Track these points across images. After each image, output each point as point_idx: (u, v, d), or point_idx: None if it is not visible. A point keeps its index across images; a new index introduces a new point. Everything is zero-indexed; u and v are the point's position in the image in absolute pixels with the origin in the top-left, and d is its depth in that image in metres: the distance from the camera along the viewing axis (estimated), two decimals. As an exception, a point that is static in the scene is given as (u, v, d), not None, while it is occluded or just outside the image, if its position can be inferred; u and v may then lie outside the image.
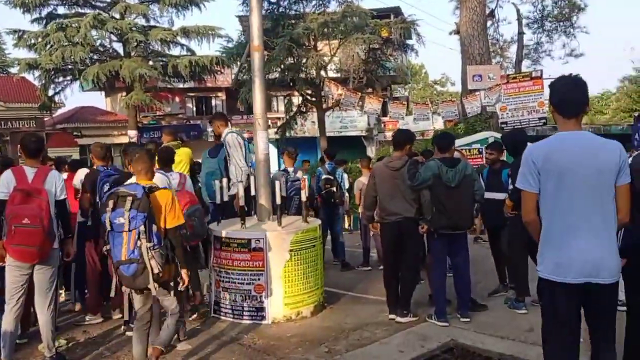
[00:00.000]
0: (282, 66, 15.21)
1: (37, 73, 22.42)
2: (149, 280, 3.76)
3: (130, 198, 3.72)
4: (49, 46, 21.56)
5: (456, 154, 11.78)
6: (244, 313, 5.50)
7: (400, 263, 5.44)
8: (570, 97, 2.90)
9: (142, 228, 3.69)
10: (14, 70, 24.50)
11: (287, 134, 18.02)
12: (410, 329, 5.20)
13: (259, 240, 5.42)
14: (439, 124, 21.24)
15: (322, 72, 16.36)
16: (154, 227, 3.80)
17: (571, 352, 2.90)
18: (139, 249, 3.72)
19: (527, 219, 3.01)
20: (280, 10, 15.64)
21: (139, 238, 3.71)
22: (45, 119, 25.87)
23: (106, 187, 5.18)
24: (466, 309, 5.38)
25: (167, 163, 5.74)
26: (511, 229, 5.62)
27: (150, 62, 23.12)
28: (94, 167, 5.73)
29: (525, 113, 14.26)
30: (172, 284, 4.02)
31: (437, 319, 5.26)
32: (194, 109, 31.39)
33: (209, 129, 29.10)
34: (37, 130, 25.20)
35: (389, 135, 28.84)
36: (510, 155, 5.91)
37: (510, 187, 5.49)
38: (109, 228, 3.76)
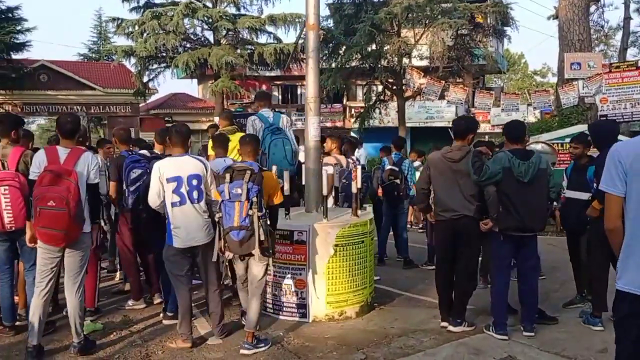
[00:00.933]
0: (362, 53, 14.69)
1: (133, 60, 23.55)
2: (254, 246, 4.20)
3: (249, 172, 4.21)
4: (144, 34, 22.46)
5: (544, 147, 10.99)
6: (284, 309, 5.18)
7: (455, 265, 4.86)
8: None
9: (254, 199, 4.17)
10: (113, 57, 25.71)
11: (366, 124, 17.48)
12: (462, 339, 4.64)
13: (301, 233, 5.06)
14: (534, 116, 19.85)
15: (405, 60, 15.66)
16: (263, 200, 4.27)
17: None
18: (251, 217, 4.17)
19: (609, 226, 2.62)
20: (361, -1, 15.10)
21: (250, 207, 4.16)
22: (140, 105, 27.13)
23: (134, 173, 5.09)
24: (530, 322, 4.72)
25: (221, 149, 5.58)
26: (592, 235, 4.88)
27: (238, 50, 23.46)
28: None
29: (629, 106, 12.88)
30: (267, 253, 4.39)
31: (495, 331, 4.66)
32: (280, 97, 31.58)
33: (293, 117, 29.26)
34: (132, 115, 26.58)
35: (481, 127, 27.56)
36: (596, 149, 5.13)
37: (595, 186, 4.75)
38: (226, 197, 4.18)
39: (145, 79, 24.21)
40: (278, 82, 31.11)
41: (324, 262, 5.07)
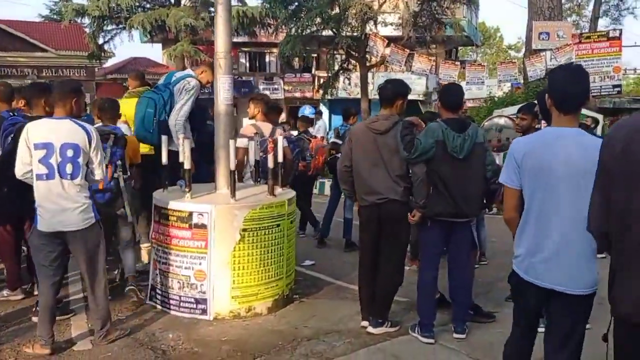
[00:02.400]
0: (323, 17, 13.74)
1: (87, 21, 22.14)
2: (122, 205, 4.46)
3: (112, 136, 4.40)
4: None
5: (507, 122, 10.27)
6: (182, 304, 4.42)
7: (380, 257, 4.14)
8: (571, 92, 2.65)
9: (119, 162, 4.42)
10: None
11: (332, 95, 16.62)
12: (381, 344, 3.95)
13: (202, 215, 4.28)
14: (502, 91, 19.22)
15: (371, 26, 14.77)
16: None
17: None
18: (116, 180, 4.39)
19: (505, 216, 2.86)
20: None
21: (115, 171, 4.35)
22: (97, 69, 25.74)
23: (10, 139, 4.18)
24: (462, 322, 4.07)
25: (108, 116, 4.81)
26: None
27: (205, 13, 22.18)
28: None
29: (598, 79, 12.29)
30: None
31: (420, 333, 3.98)
32: (247, 64, 30.38)
33: (261, 86, 28.20)
34: (87, 80, 25.15)
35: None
36: (544, 121, 4.41)
37: None
38: None
39: (100, 41, 22.88)
40: (245, 49, 29.81)
41: (229, 249, 4.30)
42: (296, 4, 14.24)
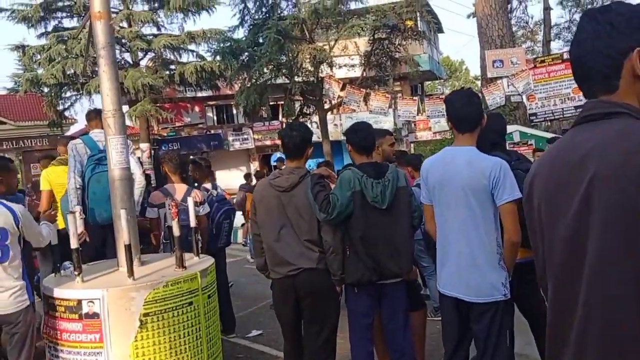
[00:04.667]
0: (273, 64, 13.40)
1: (45, 89, 21.76)
2: None
3: None
4: (52, 61, 20.70)
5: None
6: (80, 409, 3.72)
7: (302, 340, 3.50)
8: (464, 113, 2.87)
9: None
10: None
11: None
12: None
13: (92, 302, 3.62)
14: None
15: (327, 69, 14.48)
16: None
17: None
18: None
19: (426, 227, 3.17)
20: (270, 1, 13.83)
21: None
22: (59, 136, 25.19)
23: None
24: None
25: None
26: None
27: (163, 72, 21.91)
28: None
29: (558, 102, 12.03)
30: None
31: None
32: (215, 118, 30.15)
33: (230, 138, 27.82)
34: (50, 149, 24.58)
35: (421, 135, 26.71)
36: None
37: None
38: None
39: (60, 108, 22.46)
40: (211, 103, 29.62)
41: (128, 340, 3.63)
42: (246, 54, 13.90)
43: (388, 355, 3.50)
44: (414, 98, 13.73)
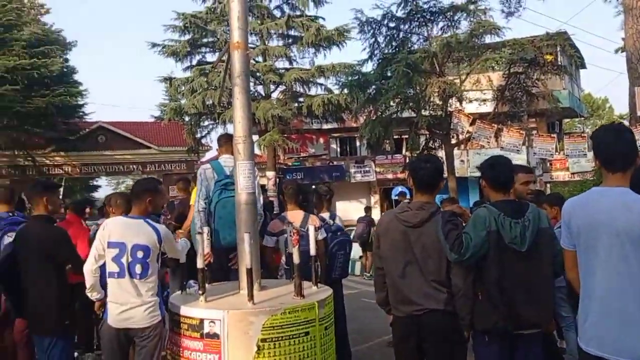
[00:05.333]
0: (399, 98, 13.31)
1: (186, 118, 23.54)
2: None
3: None
4: (194, 92, 22.38)
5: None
6: None
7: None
8: (616, 150, 2.59)
9: None
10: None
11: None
12: None
13: (213, 322, 3.66)
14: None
15: (453, 102, 14.13)
16: None
17: None
18: None
19: (568, 277, 2.84)
20: (402, 35, 13.82)
21: None
22: (195, 162, 27.00)
23: (7, 238, 4.26)
24: None
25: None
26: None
27: (292, 104, 22.80)
28: None
29: None
30: None
31: None
32: (338, 149, 30.61)
33: (352, 170, 28.08)
34: (187, 173, 26.41)
35: (557, 175, 25.09)
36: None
37: None
38: None
39: (198, 136, 24.13)
40: (336, 135, 30.20)
41: (245, 364, 3.62)
42: (374, 87, 13.95)
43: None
44: (552, 135, 12.89)
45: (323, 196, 5.49)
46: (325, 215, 5.41)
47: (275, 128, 21.94)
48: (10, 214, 4.76)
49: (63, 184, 19.72)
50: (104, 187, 40.25)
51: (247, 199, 4.16)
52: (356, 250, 13.46)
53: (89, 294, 3.93)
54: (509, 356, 3.06)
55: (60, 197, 11.94)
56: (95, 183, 35.10)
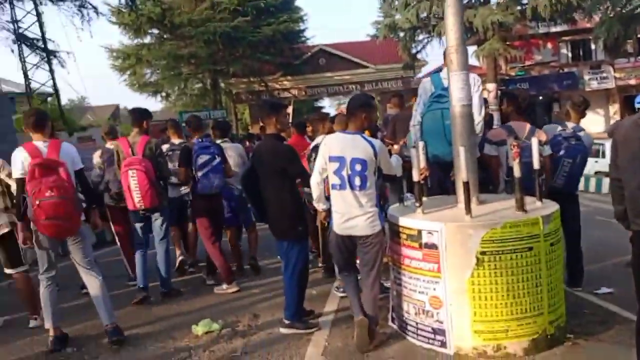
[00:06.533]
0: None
1: (401, 34, 23.29)
2: None
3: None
4: (407, 6, 21.88)
5: None
6: (419, 332, 3.93)
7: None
8: None
9: None
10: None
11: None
12: None
13: (431, 233, 3.73)
14: None
15: None
16: None
17: None
18: None
19: None
20: None
21: None
22: (411, 78, 26.84)
23: (201, 159, 5.52)
24: None
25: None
26: None
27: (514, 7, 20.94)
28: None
29: None
30: None
31: None
32: (569, 55, 27.45)
33: (586, 77, 25.18)
34: (401, 90, 26.49)
35: None
36: None
37: None
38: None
39: (413, 52, 23.82)
40: (566, 38, 27.04)
41: (464, 275, 3.64)
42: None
43: None
44: None
45: (577, 107, 5.01)
46: (570, 124, 4.97)
47: (495, 36, 20.52)
48: (201, 140, 5.71)
49: (292, 106, 21.30)
50: (327, 109, 42.68)
51: (461, 111, 4.02)
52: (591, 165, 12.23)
53: (315, 205, 4.29)
54: None
55: (290, 118, 13.08)
56: (318, 104, 37.36)
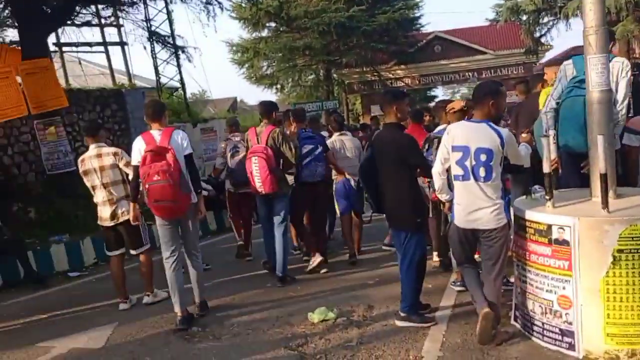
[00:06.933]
0: None
1: (524, 17, 22.05)
2: None
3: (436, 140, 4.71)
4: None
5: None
6: (545, 333, 3.72)
7: None
8: None
9: None
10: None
11: None
12: None
13: (562, 229, 3.49)
14: None
15: None
16: None
17: None
18: None
19: None
20: None
21: None
22: (534, 63, 25.35)
23: (305, 149, 5.81)
24: None
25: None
26: None
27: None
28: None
29: None
30: None
31: None
32: None
33: None
34: (524, 75, 25.09)
35: None
36: None
37: None
38: None
39: (536, 35, 22.45)
40: None
41: (598, 274, 3.38)
42: None
43: None
44: None
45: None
46: None
47: (629, 17, 18.76)
48: (304, 130, 6.11)
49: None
50: (441, 98, 41.53)
51: (600, 97, 3.71)
52: None
53: (438, 195, 4.19)
54: None
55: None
56: (432, 93, 36.47)
